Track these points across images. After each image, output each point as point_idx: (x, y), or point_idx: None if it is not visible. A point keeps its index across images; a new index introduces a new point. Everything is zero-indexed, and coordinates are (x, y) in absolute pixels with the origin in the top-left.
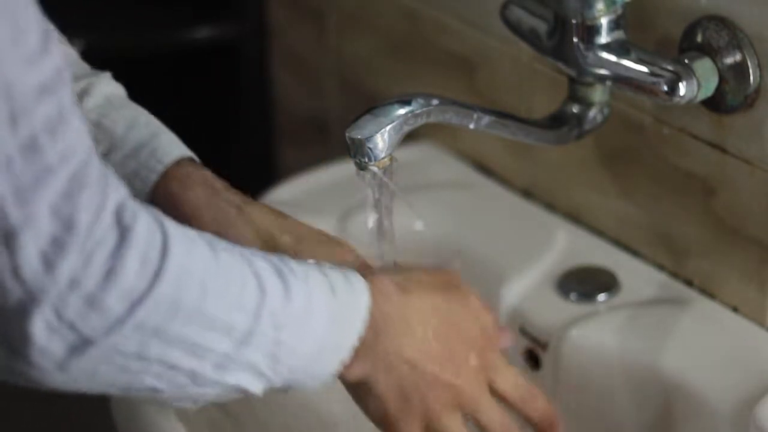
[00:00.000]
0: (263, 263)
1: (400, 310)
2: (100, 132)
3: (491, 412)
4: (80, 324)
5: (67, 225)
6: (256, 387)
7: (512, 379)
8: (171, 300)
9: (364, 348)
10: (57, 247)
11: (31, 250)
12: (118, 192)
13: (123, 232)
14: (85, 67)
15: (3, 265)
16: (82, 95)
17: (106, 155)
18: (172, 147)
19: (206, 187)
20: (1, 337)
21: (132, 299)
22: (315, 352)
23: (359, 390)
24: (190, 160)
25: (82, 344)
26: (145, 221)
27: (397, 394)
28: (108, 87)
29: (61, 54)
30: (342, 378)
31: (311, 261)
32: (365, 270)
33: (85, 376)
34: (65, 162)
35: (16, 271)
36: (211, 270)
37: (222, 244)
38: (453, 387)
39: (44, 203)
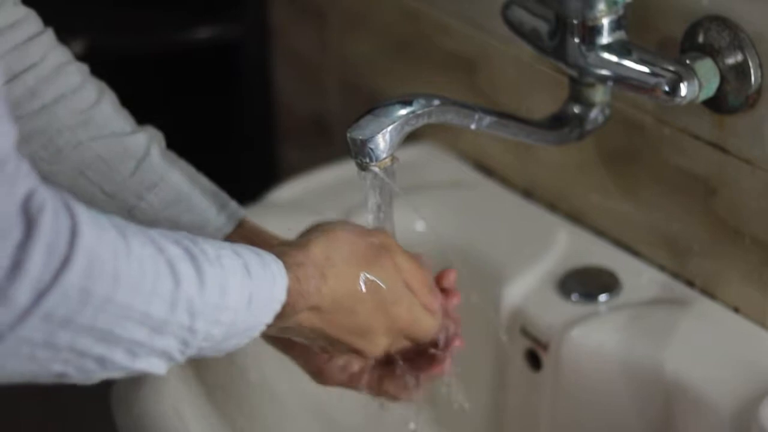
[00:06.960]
0: (175, 249)
1: (319, 298)
2: (164, 185)
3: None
4: None
5: None
6: (161, 369)
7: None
8: (80, 289)
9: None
10: None
11: None
12: (27, 180)
13: (29, 222)
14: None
15: None
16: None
17: (167, 207)
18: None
19: None
20: None
21: (39, 290)
22: (228, 335)
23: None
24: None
25: None
26: (53, 208)
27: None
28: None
29: None
30: None
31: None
32: (285, 250)
33: None
34: None
35: None
36: (123, 257)
37: (131, 229)
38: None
39: None
